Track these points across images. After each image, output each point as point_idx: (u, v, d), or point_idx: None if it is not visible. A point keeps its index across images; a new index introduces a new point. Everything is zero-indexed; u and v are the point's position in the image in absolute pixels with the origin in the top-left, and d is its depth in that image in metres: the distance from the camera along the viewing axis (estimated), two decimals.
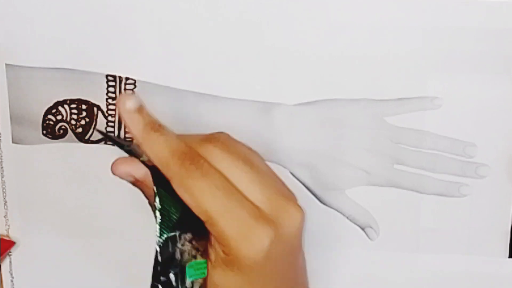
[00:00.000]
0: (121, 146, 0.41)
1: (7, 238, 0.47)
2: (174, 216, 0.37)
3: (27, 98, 0.45)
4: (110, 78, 0.44)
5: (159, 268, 0.36)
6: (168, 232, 0.37)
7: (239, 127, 0.44)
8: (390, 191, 0.44)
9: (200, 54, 0.43)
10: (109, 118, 0.45)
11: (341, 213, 0.45)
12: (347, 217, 0.45)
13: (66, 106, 0.45)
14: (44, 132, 0.45)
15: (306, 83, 0.43)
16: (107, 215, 0.46)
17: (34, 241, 0.47)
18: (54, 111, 0.45)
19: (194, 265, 0.38)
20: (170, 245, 0.37)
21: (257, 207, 0.37)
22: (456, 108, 0.43)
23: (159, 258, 0.36)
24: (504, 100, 0.42)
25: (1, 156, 0.46)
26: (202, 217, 0.37)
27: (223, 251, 0.37)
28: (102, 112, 0.45)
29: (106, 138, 0.45)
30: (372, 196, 0.44)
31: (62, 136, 0.45)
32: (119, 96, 0.43)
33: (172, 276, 0.37)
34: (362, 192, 0.44)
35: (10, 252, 0.48)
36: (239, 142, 0.40)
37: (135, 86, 0.44)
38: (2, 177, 0.46)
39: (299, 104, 0.43)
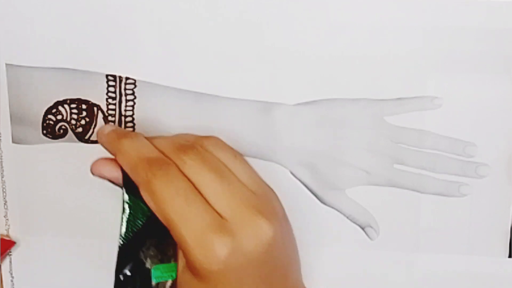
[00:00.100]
0: None
1: (7, 238, 0.47)
2: (140, 221, 0.39)
3: (27, 98, 0.45)
4: (110, 78, 0.44)
5: (119, 263, 0.38)
6: (131, 235, 0.38)
7: (239, 127, 0.44)
8: (390, 191, 0.44)
9: (200, 54, 0.43)
10: (109, 118, 0.45)
11: (341, 212, 0.45)
12: (347, 217, 0.45)
13: (66, 106, 0.45)
14: (44, 132, 0.45)
15: (306, 83, 0.43)
16: (107, 215, 0.46)
17: (34, 241, 0.47)
18: (54, 111, 0.45)
19: (161, 268, 0.38)
20: (133, 247, 0.38)
21: (220, 218, 0.37)
22: (456, 108, 0.43)
23: (119, 257, 0.38)
24: (504, 100, 0.42)
25: (1, 156, 0.46)
26: (164, 222, 0.37)
27: (185, 257, 0.37)
28: (102, 112, 0.45)
29: None
30: (372, 196, 0.44)
31: (62, 136, 0.45)
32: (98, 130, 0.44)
33: (127, 272, 0.38)
34: (362, 191, 0.44)
35: (10, 252, 0.47)
36: (224, 149, 0.40)
37: (135, 86, 0.44)
38: (2, 177, 0.46)
39: (299, 104, 0.43)
